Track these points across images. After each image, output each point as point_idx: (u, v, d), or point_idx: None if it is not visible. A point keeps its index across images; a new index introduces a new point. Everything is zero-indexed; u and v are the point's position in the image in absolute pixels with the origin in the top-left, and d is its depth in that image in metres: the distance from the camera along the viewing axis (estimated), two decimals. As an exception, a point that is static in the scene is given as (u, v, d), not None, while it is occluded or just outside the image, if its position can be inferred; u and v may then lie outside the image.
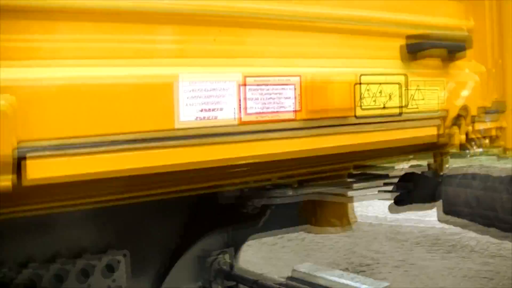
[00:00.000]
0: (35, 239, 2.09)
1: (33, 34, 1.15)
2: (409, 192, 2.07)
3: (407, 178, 2.08)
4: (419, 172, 2.14)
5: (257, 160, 1.47)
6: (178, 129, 1.27)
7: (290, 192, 1.90)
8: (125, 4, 1.26)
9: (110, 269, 2.20)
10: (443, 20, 1.91)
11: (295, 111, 1.47)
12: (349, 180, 2.19)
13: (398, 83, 1.69)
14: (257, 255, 8.21)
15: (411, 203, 2.14)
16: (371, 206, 10.52)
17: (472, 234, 8.62)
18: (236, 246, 2.75)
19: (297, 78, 1.47)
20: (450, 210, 1.89)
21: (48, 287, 2.03)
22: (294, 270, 2.35)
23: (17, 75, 1.09)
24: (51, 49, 1.16)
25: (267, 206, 2.04)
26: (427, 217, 10.23)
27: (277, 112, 1.43)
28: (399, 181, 2.07)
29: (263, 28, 1.48)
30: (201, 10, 1.37)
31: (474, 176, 1.83)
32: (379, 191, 2.21)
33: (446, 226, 9.17)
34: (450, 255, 7.60)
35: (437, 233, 8.82)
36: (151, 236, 2.47)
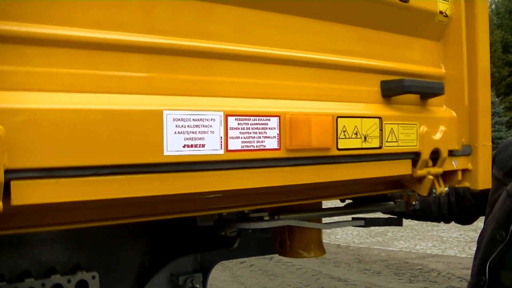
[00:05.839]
0: (4, 258, 2.09)
1: (20, 64, 1.17)
2: None
3: None
4: None
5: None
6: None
7: (267, 219, 1.93)
8: (115, 38, 1.29)
9: (80, 290, 2.20)
10: (417, 67, 2.00)
11: (275, 149, 1.51)
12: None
13: (373, 125, 1.75)
14: (224, 273, 8.21)
15: None
16: (333, 235, 10.63)
17: (439, 259, 8.79)
18: (206, 268, 2.77)
19: (277, 118, 1.52)
20: None
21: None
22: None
23: (6, 104, 1.11)
24: (39, 81, 1.18)
25: (243, 229, 2.07)
26: (394, 241, 10.39)
27: (257, 150, 1.48)
28: None
29: (246, 69, 1.54)
30: (189, 48, 1.41)
31: None
32: (352, 218, 2.28)
33: (413, 250, 9.27)
34: (417, 279, 7.70)
35: (404, 257, 8.94)
36: (121, 257, 2.48)
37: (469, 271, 7.45)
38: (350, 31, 1.81)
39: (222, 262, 8.02)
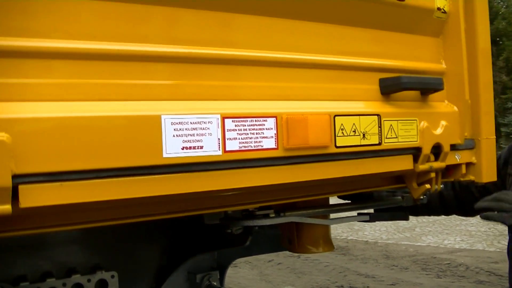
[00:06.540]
0: (27, 259, 2.18)
1: (26, 76, 1.26)
2: None
3: None
4: None
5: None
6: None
7: (272, 215, 1.99)
8: (117, 48, 1.38)
9: (100, 289, 2.28)
10: (417, 64, 2.03)
11: (273, 149, 1.57)
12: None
13: (372, 123, 1.79)
14: (252, 271, 8.26)
15: None
16: (360, 231, 10.60)
17: (467, 253, 8.71)
18: (223, 265, 2.84)
19: (273, 119, 1.57)
20: None
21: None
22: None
23: (12, 114, 1.20)
24: (43, 92, 1.27)
25: (250, 227, 2.13)
26: (422, 236, 10.32)
27: (255, 150, 1.54)
28: None
29: (243, 72, 1.60)
30: (185, 55, 1.49)
31: None
32: (358, 213, 2.32)
33: (441, 245, 9.18)
34: (445, 274, 7.63)
35: (432, 252, 8.86)
36: (139, 257, 2.56)
37: (498, 265, 7.34)
38: (348, 31, 1.85)
39: (250, 261, 8.02)
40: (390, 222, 11.66)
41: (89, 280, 2.25)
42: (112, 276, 2.31)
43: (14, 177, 1.17)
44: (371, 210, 2.31)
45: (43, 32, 1.28)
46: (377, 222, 11.35)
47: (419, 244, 9.64)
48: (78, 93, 1.31)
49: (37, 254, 2.23)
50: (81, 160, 1.26)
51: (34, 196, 1.21)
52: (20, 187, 1.19)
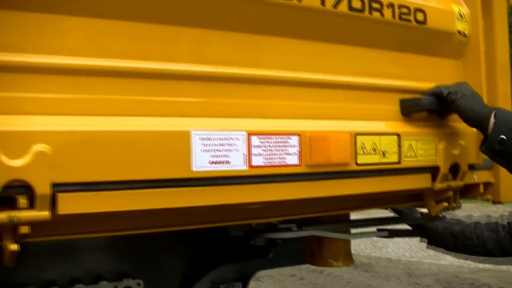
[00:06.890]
0: (56, 265, 2.27)
1: (66, 92, 1.36)
2: None
3: None
4: None
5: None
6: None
7: (295, 229, 2.05)
8: (151, 67, 1.47)
9: (126, 297, 2.36)
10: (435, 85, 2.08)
11: (296, 165, 1.65)
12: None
13: (392, 142, 1.85)
14: (274, 286, 8.28)
15: None
16: (384, 248, 10.54)
17: (491, 273, 8.61)
18: (245, 278, 2.90)
19: (297, 137, 1.65)
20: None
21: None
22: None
23: (53, 127, 1.30)
24: (82, 105, 1.37)
25: (273, 239, 2.20)
26: (446, 255, 10.21)
27: (279, 166, 1.62)
28: None
29: (268, 91, 1.69)
30: (214, 74, 1.58)
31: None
32: (378, 229, 2.37)
33: (465, 264, 9.07)
34: (468, 294, 7.57)
35: (455, 271, 8.77)
36: (164, 266, 2.63)
37: (523, 286, 7.16)
38: (371, 53, 1.93)
39: (272, 275, 8.02)
40: (413, 240, 11.57)
41: (115, 287, 2.33)
42: (138, 284, 2.38)
43: (54, 185, 1.27)
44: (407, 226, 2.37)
45: (79, 51, 1.38)
46: (400, 240, 11.27)
47: (442, 262, 9.55)
48: (113, 108, 1.40)
49: (67, 260, 2.32)
50: (116, 172, 1.35)
51: (71, 204, 1.30)
52: (59, 195, 1.29)
